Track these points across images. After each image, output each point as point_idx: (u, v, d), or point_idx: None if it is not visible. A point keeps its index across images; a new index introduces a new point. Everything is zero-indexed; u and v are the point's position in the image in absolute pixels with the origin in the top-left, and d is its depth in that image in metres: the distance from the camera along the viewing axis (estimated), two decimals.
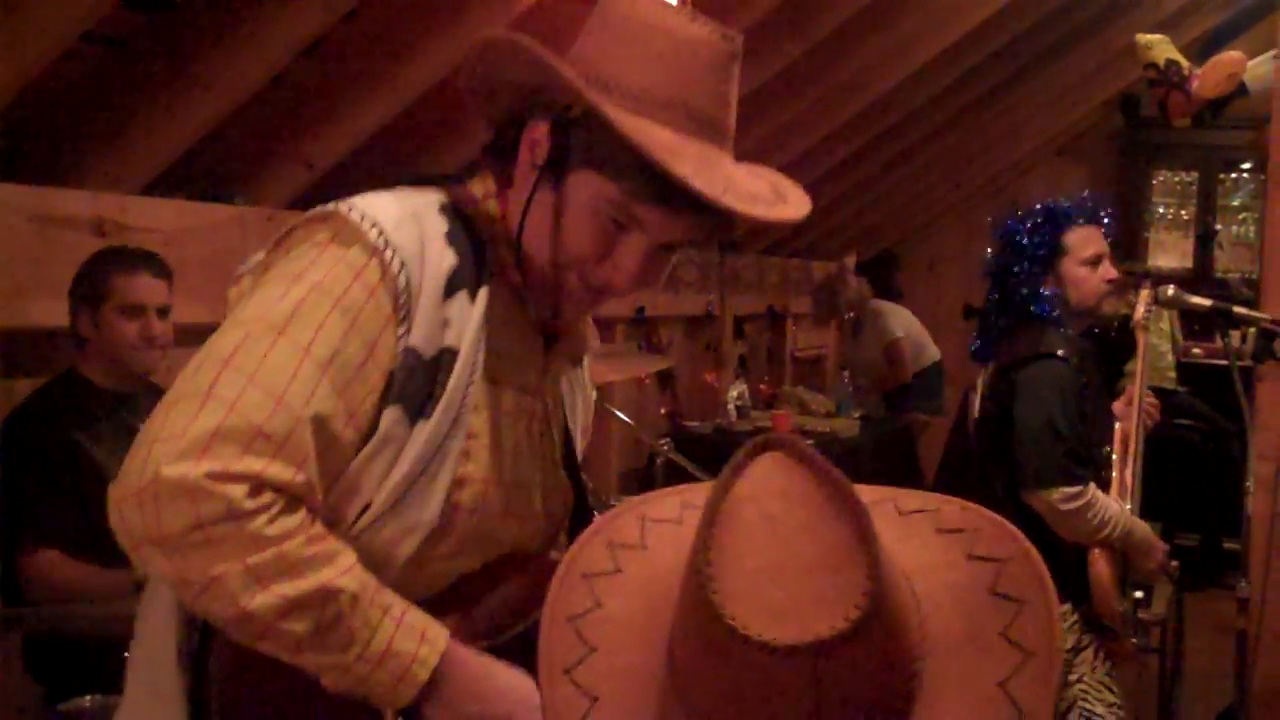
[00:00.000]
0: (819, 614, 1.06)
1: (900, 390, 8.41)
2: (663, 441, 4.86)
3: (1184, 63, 3.97)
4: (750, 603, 1.08)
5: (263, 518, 1.48)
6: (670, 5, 1.65)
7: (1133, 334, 3.98)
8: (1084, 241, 3.75)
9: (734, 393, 7.26)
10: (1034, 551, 1.22)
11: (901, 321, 8.45)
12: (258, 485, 1.49)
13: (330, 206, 1.65)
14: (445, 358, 1.63)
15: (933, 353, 8.49)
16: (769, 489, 1.14)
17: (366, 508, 1.61)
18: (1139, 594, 3.74)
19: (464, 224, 1.70)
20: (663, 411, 7.06)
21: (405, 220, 1.64)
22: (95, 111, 3.68)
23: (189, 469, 1.45)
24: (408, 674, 1.56)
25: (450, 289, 1.64)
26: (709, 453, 5.54)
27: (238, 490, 1.47)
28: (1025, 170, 10.15)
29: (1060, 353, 3.63)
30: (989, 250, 3.89)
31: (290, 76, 3.91)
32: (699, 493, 1.32)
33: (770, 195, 1.63)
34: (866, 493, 1.34)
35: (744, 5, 5.05)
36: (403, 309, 1.61)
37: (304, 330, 1.54)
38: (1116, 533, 3.58)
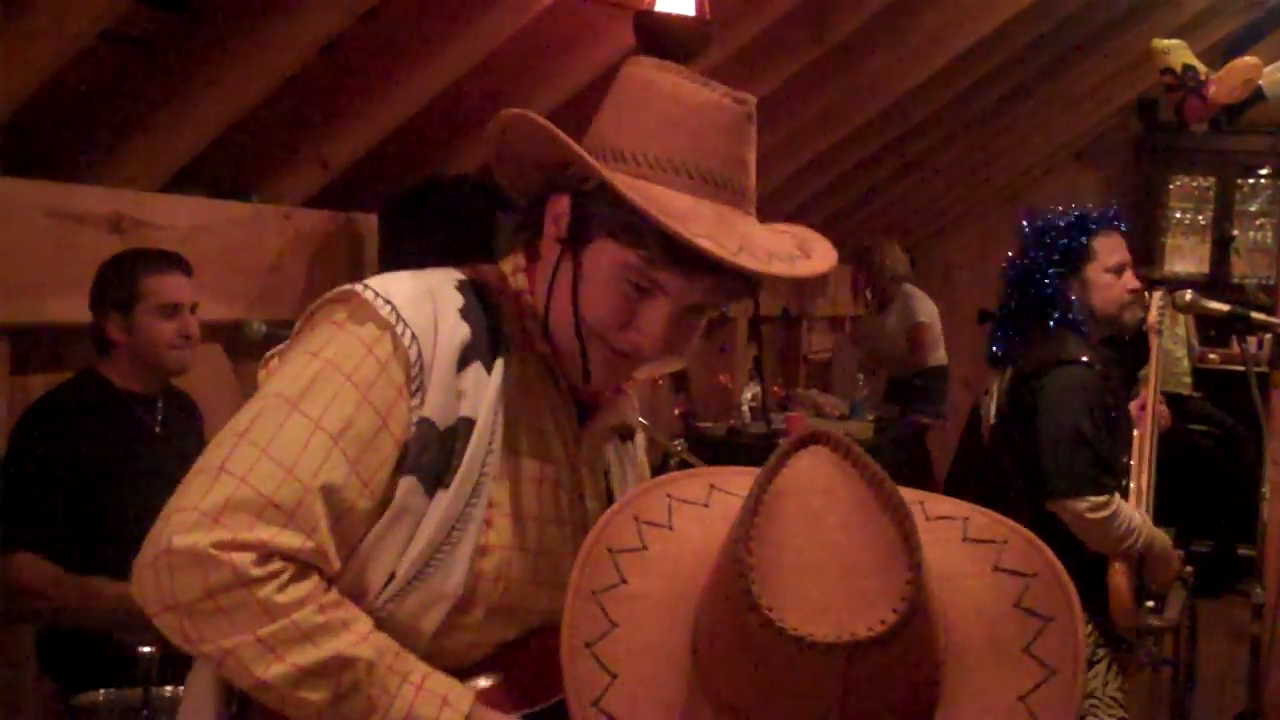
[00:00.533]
0: (857, 614, 1.06)
1: (904, 390, 8.38)
2: (676, 442, 4.86)
3: (1201, 68, 3.97)
4: (788, 596, 1.08)
5: (272, 585, 1.52)
6: (685, 71, 1.69)
7: (1146, 337, 3.96)
8: (1111, 248, 3.74)
9: (748, 394, 7.26)
10: (1062, 568, 1.21)
11: (930, 310, 8.41)
12: (266, 554, 1.53)
13: (347, 287, 1.70)
14: (462, 428, 1.66)
15: (941, 355, 8.46)
16: (813, 484, 1.15)
17: (391, 579, 1.63)
18: (1151, 603, 3.71)
19: (481, 298, 1.74)
20: (676, 413, 7.06)
21: (419, 296, 1.69)
22: (112, 109, 3.69)
23: (199, 539, 1.51)
24: None
25: (464, 361, 1.67)
26: (723, 454, 5.53)
27: (245, 558, 1.51)
28: (1041, 175, 10.13)
29: (1085, 359, 3.59)
30: (1011, 252, 3.87)
31: (307, 76, 3.92)
32: (726, 476, 1.31)
33: (792, 251, 1.66)
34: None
35: (762, 7, 5.06)
36: (415, 380, 1.64)
37: (316, 403, 1.59)
38: (1140, 543, 3.54)
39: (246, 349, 4.10)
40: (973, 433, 4.50)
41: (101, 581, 3.21)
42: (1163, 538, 3.68)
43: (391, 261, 4.40)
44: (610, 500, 1.87)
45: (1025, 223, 3.88)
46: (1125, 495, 3.67)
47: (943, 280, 10.10)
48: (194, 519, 1.52)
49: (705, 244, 1.55)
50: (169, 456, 3.57)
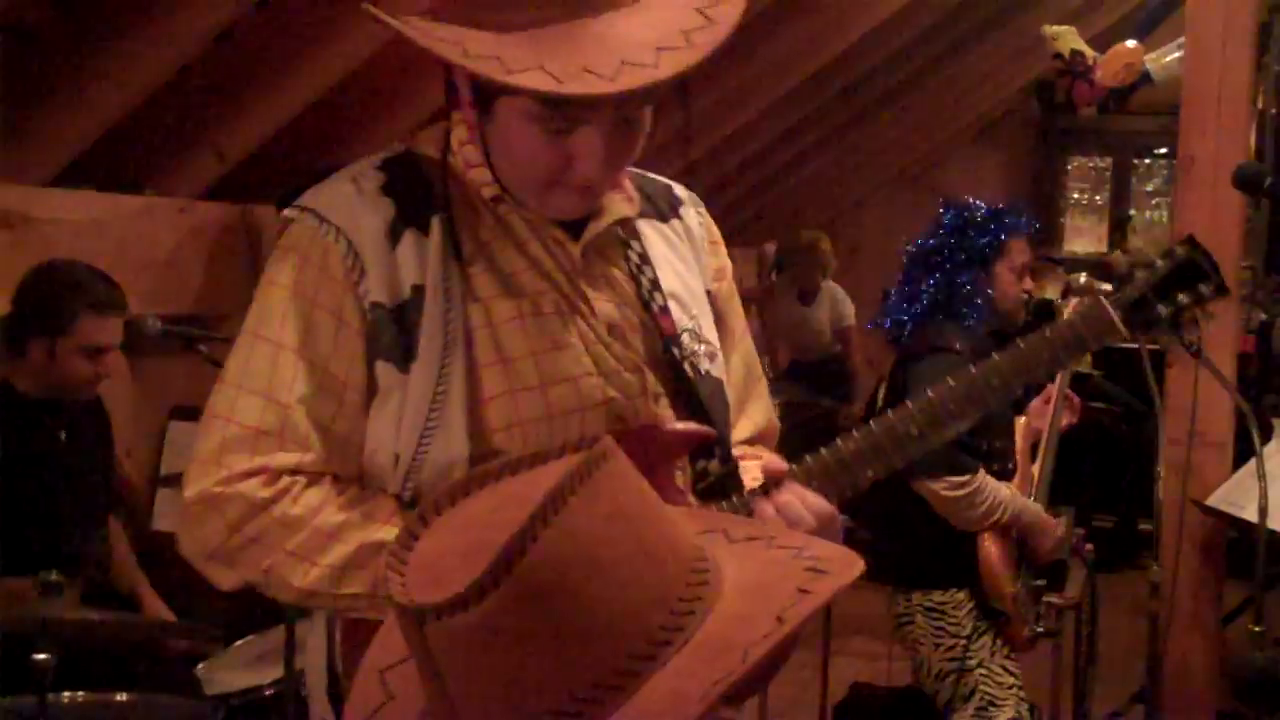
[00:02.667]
0: (453, 584, 1.07)
1: (807, 371, 8.47)
2: None
3: (1088, 52, 4.04)
4: (422, 570, 1.12)
5: (285, 501, 1.62)
6: None
7: (1040, 320, 4.04)
8: (1020, 249, 3.90)
9: None
10: (860, 565, 1.22)
11: (852, 309, 8.53)
12: (270, 476, 1.62)
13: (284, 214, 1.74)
14: (414, 298, 1.67)
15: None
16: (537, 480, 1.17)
17: (398, 460, 1.66)
18: (1040, 581, 3.82)
19: (408, 168, 1.74)
20: None
21: (338, 191, 1.71)
22: (0, 102, 3.61)
23: (205, 484, 1.61)
24: None
25: (394, 235, 1.68)
26: None
27: (251, 485, 1.61)
28: (944, 157, 10.23)
29: (957, 347, 3.71)
30: (919, 236, 3.95)
31: (201, 66, 3.86)
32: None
33: (673, 35, 1.56)
34: (696, 521, 1.36)
35: None
36: (354, 271, 1.66)
37: (272, 326, 1.66)
38: (1006, 517, 3.68)
39: (142, 345, 4.03)
40: (872, 414, 4.57)
41: (10, 584, 3.15)
42: (1033, 508, 3.80)
43: None
44: (653, 290, 1.81)
45: (943, 211, 3.98)
46: (1005, 476, 3.80)
47: (849, 260, 10.16)
48: (197, 470, 1.62)
49: (525, 80, 1.49)
50: (76, 463, 3.52)
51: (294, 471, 1.63)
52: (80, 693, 2.96)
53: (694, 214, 1.98)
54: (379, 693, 1.24)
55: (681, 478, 1.78)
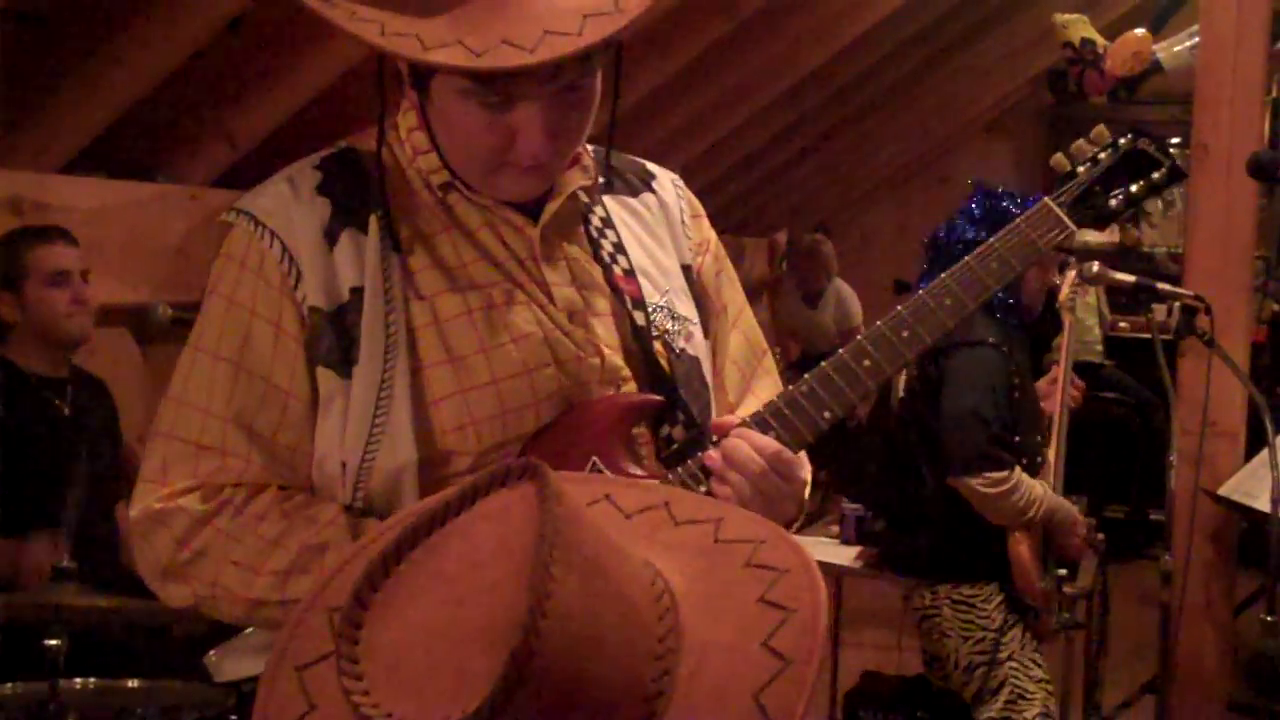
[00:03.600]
0: (453, 693, 0.96)
1: (815, 365, 8.47)
2: None
3: (1099, 41, 4.06)
4: (387, 673, 0.99)
5: (226, 513, 1.58)
6: None
7: (1059, 312, 4.03)
8: None
9: None
10: (814, 564, 1.14)
11: (860, 308, 8.53)
12: (209, 490, 1.59)
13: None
14: (353, 300, 1.61)
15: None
16: (472, 536, 1.04)
17: (344, 468, 1.60)
18: (1062, 571, 3.80)
19: (345, 165, 1.68)
20: None
21: (274, 193, 1.65)
22: (12, 88, 3.61)
23: (149, 502, 1.59)
24: None
25: (331, 236, 1.62)
26: None
27: (191, 499, 1.58)
28: (955, 146, 10.20)
29: (992, 340, 3.67)
30: (943, 224, 3.88)
31: (212, 52, 3.85)
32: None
33: (596, 8, 1.48)
34: (636, 497, 1.25)
35: None
36: (291, 276, 1.61)
37: (210, 337, 1.63)
38: (1040, 514, 3.64)
39: (152, 332, 4.04)
40: (882, 405, 4.55)
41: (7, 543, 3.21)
42: (1065, 506, 3.77)
43: None
44: (615, 254, 1.75)
45: (975, 199, 3.88)
46: (1036, 470, 3.76)
47: (859, 251, 10.15)
48: (142, 489, 1.60)
49: (441, 56, 1.44)
50: (79, 438, 3.52)
51: (235, 485, 1.59)
52: (90, 679, 2.96)
53: (671, 187, 1.88)
54: (299, 699, 1.11)
55: (648, 448, 1.72)
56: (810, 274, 8.49)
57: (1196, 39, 4.80)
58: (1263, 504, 3.62)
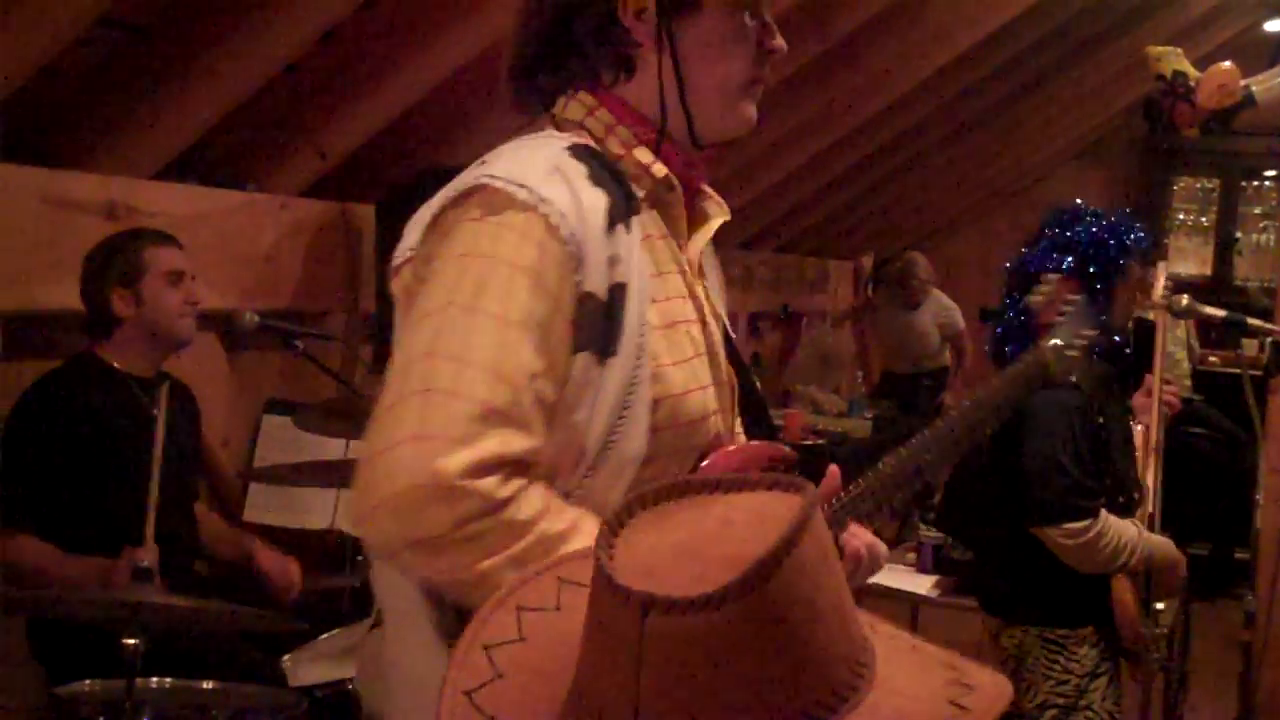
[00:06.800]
0: (676, 585, 1.04)
1: (899, 385, 8.41)
2: None
3: (1192, 73, 3.98)
4: (633, 562, 1.07)
5: (515, 504, 1.52)
6: None
7: (1140, 341, 3.94)
8: (1138, 270, 3.68)
9: None
10: (1009, 690, 1.19)
11: (960, 316, 8.48)
12: (503, 468, 1.52)
13: (471, 181, 1.67)
14: (617, 293, 1.64)
15: (946, 358, 8.50)
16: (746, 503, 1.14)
17: (582, 456, 1.63)
18: (1159, 606, 3.69)
19: (597, 160, 1.71)
20: None
21: (548, 172, 1.66)
22: (110, 95, 3.68)
23: (440, 468, 1.48)
24: None
25: (611, 225, 1.65)
26: None
27: (490, 483, 1.50)
28: (1045, 175, 10.11)
29: (1073, 379, 3.55)
30: (1038, 250, 3.76)
31: (305, 65, 3.91)
32: (576, 568, 1.25)
33: None
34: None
35: None
36: (574, 258, 1.62)
37: (493, 299, 1.57)
38: (1134, 559, 3.50)
39: (240, 339, 4.09)
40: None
41: (101, 561, 3.19)
42: (1164, 547, 3.64)
43: (390, 253, 4.38)
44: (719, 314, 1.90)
45: (1055, 222, 3.72)
46: (1135, 506, 3.64)
47: (945, 278, 10.08)
48: (425, 448, 1.49)
49: None
50: (168, 442, 3.57)
51: (519, 462, 1.54)
52: (166, 679, 2.99)
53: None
54: (486, 668, 1.18)
55: None
56: (907, 292, 8.43)
57: None
58: None
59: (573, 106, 1.76)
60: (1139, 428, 3.86)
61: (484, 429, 1.50)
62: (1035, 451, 3.50)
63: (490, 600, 1.23)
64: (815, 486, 1.17)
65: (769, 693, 1.08)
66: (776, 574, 1.04)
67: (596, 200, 1.65)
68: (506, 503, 1.51)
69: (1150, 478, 3.74)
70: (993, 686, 1.15)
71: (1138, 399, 3.89)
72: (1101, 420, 3.58)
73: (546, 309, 1.59)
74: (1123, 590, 3.51)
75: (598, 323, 1.62)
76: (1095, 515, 3.45)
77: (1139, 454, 3.79)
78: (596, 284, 1.63)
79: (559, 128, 1.77)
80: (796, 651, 1.08)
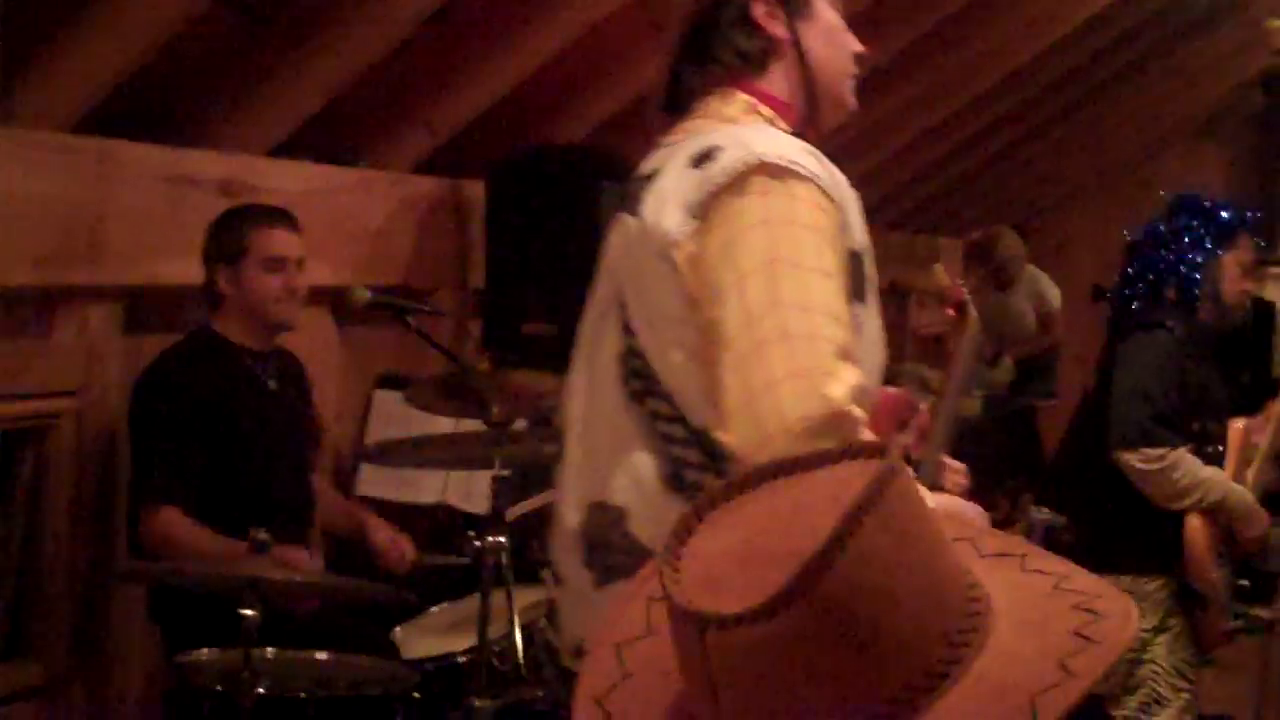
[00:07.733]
0: (739, 596, 1.03)
1: (1023, 370, 8.25)
2: None
3: None
4: (698, 572, 1.08)
5: (862, 426, 1.73)
6: None
7: (1259, 321, 3.97)
8: (1247, 245, 3.86)
9: None
10: (1135, 614, 1.16)
11: (1057, 293, 8.30)
12: (858, 395, 1.72)
13: (742, 162, 1.83)
14: (866, 252, 1.92)
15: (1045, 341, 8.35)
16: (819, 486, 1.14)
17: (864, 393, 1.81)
18: (1244, 582, 3.73)
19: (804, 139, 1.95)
20: None
21: (803, 150, 1.88)
22: (226, 74, 3.73)
23: (829, 395, 1.68)
24: None
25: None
26: None
27: (859, 408, 1.71)
28: (1161, 150, 9.91)
29: (1168, 323, 3.67)
30: (1157, 219, 3.91)
31: (416, 42, 3.93)
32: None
33: None
34: (997, 544, 1.32)
35: None
36: (842, 221, 1.86)
37: (811, 258, 1.78)
38: (1208, 499, 3.60)
39: (351, 314, 4.13)
40: (1086, 406, 4.48)
41: (235, 543, 3.18)
42: (1239, 493, 3.70)
43: (499, 230, 4.41)
44: None
45: (1173, 197, 3.98)
46: (1215, 460, 3.71)
47: (1057, 255, 9.92)
48: (806, 385, 1.69)
49: None
50: (281, 414, 3.61)
51: (860, 388, 1.74)
52: (282, 649, 3.04)
53: None
54: (616, 669, 1.21)
55: None
56: (996, 270, 8.24)
57: None
58: None
59: (735, 103, 1.98)
60: (1238, 423, 3.86)
61: (843, 363, 1.71)
62: (1123, 382, 3.67)
63: (623, 593, 1.29)
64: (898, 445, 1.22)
65: (848, 689, 1.06)
66: (831, 571, 1.03)
67: (838, 174, 1.89)
68: (863, 423, 1.71)
69: (1250, 475, 3.77)
70: (1121, 617, 1.15)
71: (1257, 421, 3.92)
72: (1192, 366, 3.68)
73: (838, 264, 1.81)
74: (1194, 530, 3.60)
75: (859, 276, 1.88)
76: (1174, 445, 3.54)
77: (1231, 448, 3.80)
78: (857, 242, 1.88)
79: (722, 121, 1.95)
80: (872, 642, 1.05)
